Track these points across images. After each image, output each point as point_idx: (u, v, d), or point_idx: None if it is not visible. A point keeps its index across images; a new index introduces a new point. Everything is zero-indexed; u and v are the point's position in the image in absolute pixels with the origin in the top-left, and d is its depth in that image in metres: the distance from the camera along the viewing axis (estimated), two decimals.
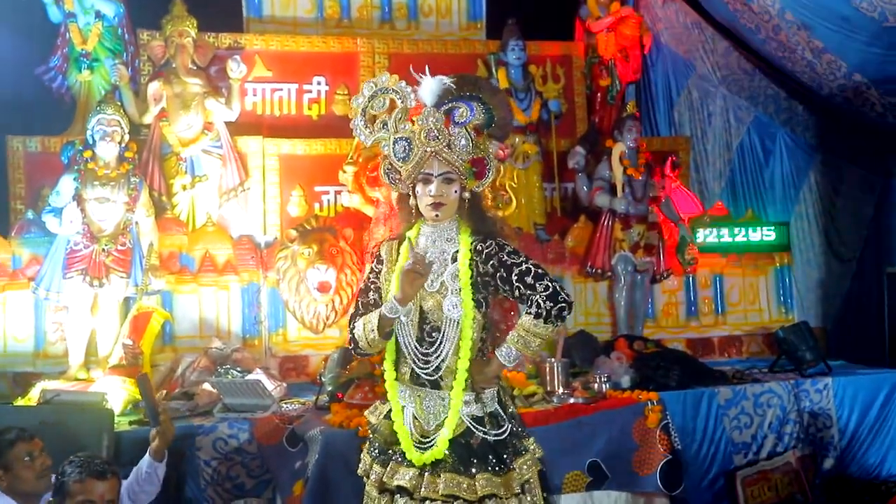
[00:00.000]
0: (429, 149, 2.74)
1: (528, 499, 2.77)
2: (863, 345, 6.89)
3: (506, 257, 2.76)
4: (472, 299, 2.75)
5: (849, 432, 5.45)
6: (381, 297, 2.89)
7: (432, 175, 2.76)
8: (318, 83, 6.57)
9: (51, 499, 3.09)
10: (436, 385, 2.79)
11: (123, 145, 5.22)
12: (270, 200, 6.07)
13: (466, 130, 2.77)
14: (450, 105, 2.78)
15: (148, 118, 5.89)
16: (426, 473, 2.72)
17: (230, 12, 6.62)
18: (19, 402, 4.60)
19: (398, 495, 2.75)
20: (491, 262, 2.76)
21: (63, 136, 5.90)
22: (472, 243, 2.80)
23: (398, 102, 2.82)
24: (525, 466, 2.77)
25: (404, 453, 2.77)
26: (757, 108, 7.72)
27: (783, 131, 7.71)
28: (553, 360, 4.90)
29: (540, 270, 2.76)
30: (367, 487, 2.87)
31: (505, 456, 2.74)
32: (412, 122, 2.79)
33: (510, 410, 2.87)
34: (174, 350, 5.39)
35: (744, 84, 7.72)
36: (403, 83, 2.84)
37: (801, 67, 7.07)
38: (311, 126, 6.47)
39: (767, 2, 6.48)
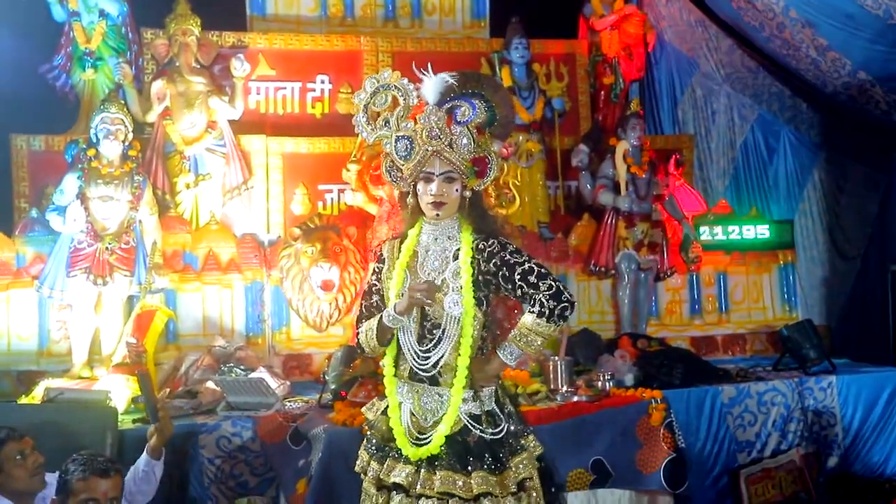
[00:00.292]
0: (430, 148, 2.75)
1: (526, 497, 2.77)
2: (867, 343, 6.87)
3: (508, 256, 2.77)
4: (474, 297, 2.76)
5: (853, 430, 5.45)
6: (383, 299, 2.90)
7: (433, 174, 2.77)
8: (322, 82, 6.58)
9: (54, 497, 3.09)
10: (434, 381, 2.80)
11: (127, 144, 5.22)
12: (274, 199, 6.09)
13: (468, 129, 2.77)
14: (452, 103, 2.78)
15: (151, 117, 5.90)
16: (422, 470, 2.72)
17: (234, 11, 6.64)
18: (23, 400, 4.60)
19: (395, 492, 2.76)
20: (493, 261, 2.77)
21: (67, 135, 5.91)
22: (473, 241, 2.80)
23: (400, 100, 2.82)
24: (522, 465, 2.77)
25: (401, 450, 2.77)
26: (761, 106, 7.70)
27: (787, 129, 7.69)
28: (556, 358, 4.90)
29: (543, 270, 2.77)
30: (364, 484, 2.88)
31: (501, 455, 2.75)
32: (414, 120, 2.79)
33: (508, 409, 2.87)
34: (178, 348, 5.40)
35: (748, 82, 7.70)
36: (405, 80, 2.84)
37: (805, 65, 7.05)
38: (315, 124, 6.48)
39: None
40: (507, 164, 6.22)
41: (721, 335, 6.47)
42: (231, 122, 6.02)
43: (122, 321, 5.14)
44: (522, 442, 2.82)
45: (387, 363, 2.90)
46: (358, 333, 2.94)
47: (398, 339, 2.85)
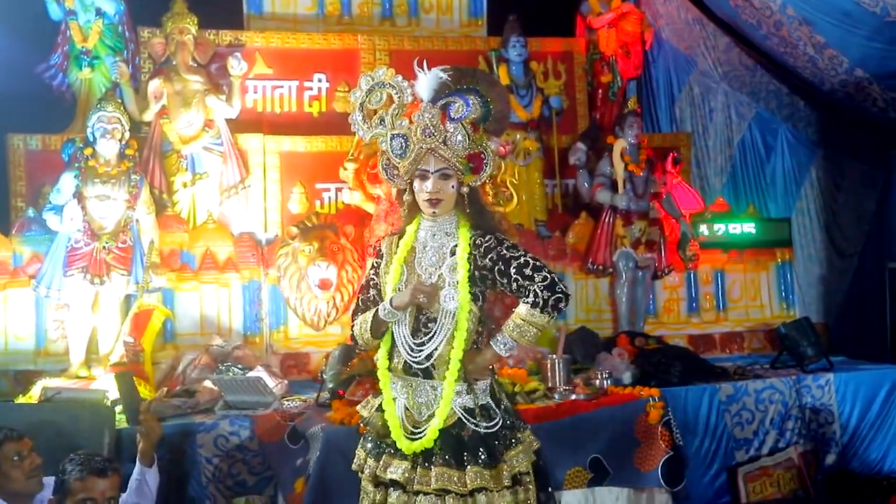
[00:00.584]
0: (424, 146, 2.76)
1: (523, 491, 2.77)
2: (865, 340, 6.88)
3: (504, 251, 2.78)
4: (469, 292, 2.77)
5: (850, 428, 5.45)
6: (380, 294, 2.92)
7: (429, 171, 2.78)
8: (319, 80, 6.56)
9: (51, 497, 3.09)
10: (428, 375, 2.80)
11: (124, 143, 5.22)
12: (271, 198, 6.08)
13: (463, 126, 2.77)
14: (446, 100, 2.78)
15: (148, 116, 5.90)
16: (418, 467, 2.73)
17: (231, 9, 6.63)
18: (20, 399, 4.60)
19: (391, 489, 2.77)
20: (489, 256, 2.78)
21: (64, 134, 5.90)
22: (471, 238, 2.81)
23: (395, 97, 2.82)
24: (516, 459, 2.77)
25: (397, 446, 2.78)
26: (758, 104, 7.69)
27: (785, 127, 7.69)
28: (554, 356, 4.90)
29: (538, 263, 2.78)
30: (362, 482, 2.89)
31: (495, 448, 2.75)
32: (409, 118, 2.79)
33: (503, 404, 2.87)
34: (175, 347, 5.39)
35: (745, 80, 7.69)
36: (400, 77, 2.84)
37: (802, 63, 7.05)
38: (312, 123, 6.47)
39: None
40: (505, 163, 6.22)
41: (719, 333, 6.47)
42: (228, 120, 6.01)
43: (119, 320, 5.14)
44: (519, 435, 2.82)
45: (380, 356, 2.91)
46: (353, 326, 2.96)
47: (392, 331, 2.87)
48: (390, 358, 2.90)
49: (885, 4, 5.78)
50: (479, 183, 2.87)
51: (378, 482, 2.82)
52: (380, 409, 2.88)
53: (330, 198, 6.20)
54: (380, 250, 3.00)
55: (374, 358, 2.97)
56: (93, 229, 5.05)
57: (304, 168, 6.16)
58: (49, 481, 3.19)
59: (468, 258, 2.78)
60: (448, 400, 2.74)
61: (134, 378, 4.22)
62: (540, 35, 6.90)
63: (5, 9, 6.01)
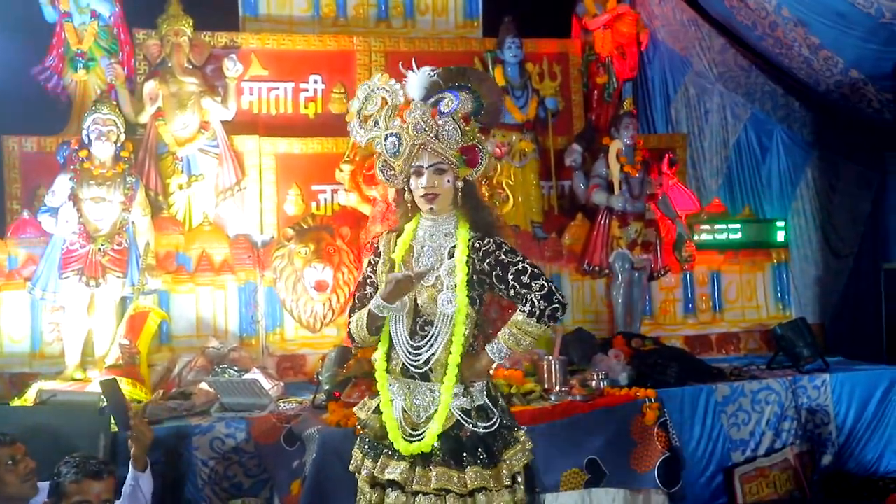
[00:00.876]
0: (417, 141, 2.76)
1: (519, 490, 2.79)
2: (860, 341, 6.89)
3: (503, 256, 2.78)
4: (467, 296, 2.77)
5: (846, 428, 5.46)
6: (376, 290, 2.90)
7: (423, 167, 2.78)
8: (315, 82, 6.55)
9: (46, 500, 3.07)
10: (425, 377, 2.80)
11: (119, 145, 5.22)
12: (267, 199, 6.07)
13: (454, 119, 2.77)
14: (436, 97, 2.79)
15: (144, 117, 5.88)
16: (417, 467, 2.73)
17: (226, 11, 6.61)
18: (15, 402, 4.58)
19: (390, 489, 2.76)
20: (488, 261, 2.78)
21: (59, 136, 5.88)
22: (470, 240, 2.81)
23: (388, 99, 2.83)
24: (515, 458, 2.78)
25: (394, 447, 2.78)
26: (754, 105, 7.71)
27: (780, 128, 7.71)
28: (551, 357, 4.90)
29: (536, 270, 2.78)
30: (359, 483, 2.88)
31: (494, 448, 2.76)
32: (402, 117, 2.81)
33: (500, 404, 2.88)
34: (171, 350, 5.38)
35: (741, 81, 7.71)
36: (393, 81, 2.85)
37: (797, 64, 7.07)
38: (308, 125, 6.46)
39: None
40: (501, 164, 6.22)
41: (715, 334, 6.48)
42: (224, 122, 6.00)
43: (115, 323, 5.13)
44: (516, 435, 2.84)
45: (378, 358, 2.91)
46: (349, 323, 2.97)
47: (390, 333, 2.86)
48: (388, 359, 2.89)
49: (880, 6, 5.80)
50: (475, 176, 2.88)
51: (375, 483, 2.82)
52: (377, 410, 2.87)
53: (326, 199, 6.19)
54: (377, 247, 2.99)
55: (372, 359, 2.96)
56: (88, 231, 5.05)
57: (300, 170, 6.16)
58: (44, 485, 3.18)
59: (467, 261, 2.78)
60: (446, 405, 2.74)
61: (119, 383, 4.20)
62: (535, 36, 6.90)
63: (0, 11, 6.00)
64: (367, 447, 2.89)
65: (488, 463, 2.72)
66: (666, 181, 6.40)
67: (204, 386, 4.71)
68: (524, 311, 2.75)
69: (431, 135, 2.75)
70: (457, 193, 2.84)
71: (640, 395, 4.74)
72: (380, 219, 5.51)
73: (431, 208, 2.82)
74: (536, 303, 2.73)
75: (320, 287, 5.46)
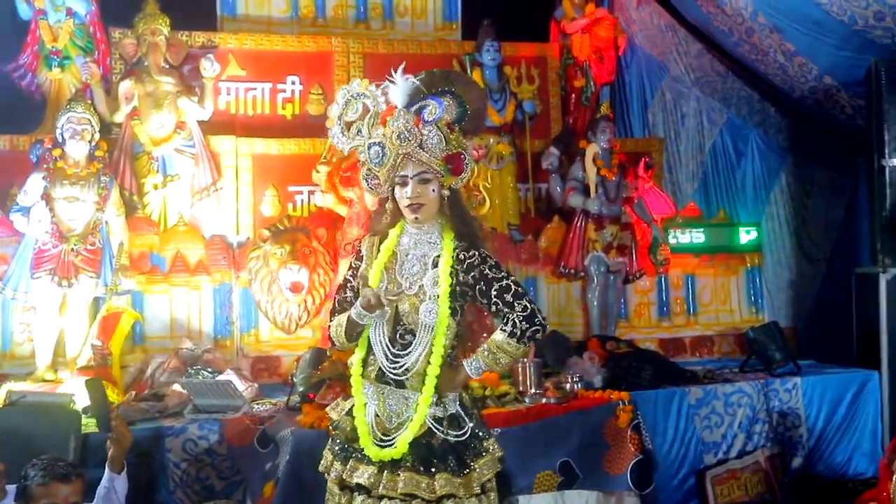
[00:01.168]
0: (401, 151, 2.74)
1: (486, 499, 2.79)
2: (832, 345, 6.95)
3: (487, 270, 2.78)
4: (449, 307, 2.76)
5: (817, 431, 5.53)
6: (356, 295, 2.88)
7: (408, 177, 2.76)
8: (293, 83, 6.52)
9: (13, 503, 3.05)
10: (401, 385, 2.80)
11: (94, 144, 5.18)
12: (243, 200, 6.03)
13: (438, 127, 2.75)
14: (420, 104, 2.77)
15: (119, 117, 5.84)
16: (385, 472, 2.73)
17: (204, 11, 6.56)
18: None
19: (357, 493, 2.76)
20: (472, 274, 2.78)
21: (32, 135, 5.81)
22: (454, 250, 2.80)
23: (370, 107, 2.81)
24: (486, 467, 2.78)
25: (364, 450, 2.78)
26: (730, 110, 7.76)
27: (755, 133, 7.76)
28: (525, 360, 4.91)
29: (520, 289, 2.78)
30: (328, 484, 2.88)
31: (465, 457, 2.76)
32: (385, 125, 2.78)
33: (472, 413, 2.88)
34: (144, 351, 5.35)
35: (717, 86, 7.76)
36: (374, 87, 2.82)
37: (773, 70, 7.13)
38: (285, 126, 6.43)
39: (740, 4, 6.53)
40: (478, 167, 6.22)
41: (689, 337, 6.52)
42: (200, 122, 5.96)
43: (87, 323, 5.09)
44: (485, 444, 2.84)
45: (355, 362, 2.90)
46: (329, 326, 2.96)
47: (369, 340, 2.86)
48: (365, 365, 2.88)
49: (853, 14, 5.87)
50: (460, 185, 2.87)
51: (344, 485, 2.82)
52: (350, 412, 2.87)
53: (302, 201, 6.16)
54: (359, 250, 2.97)
55: (349, 362, 2.96)
56: (61, 231, 5.01)
57: (277, 171, 6.13)
58: (13, 488, 3.15)
59: (450, 273, 2.77)
60: (422, 415, 2.74)
61: (102, 383, 4.17)
62: (514, 40, 6.91)
63: None
64: (337, 449, 2.88)
65: (458, 471, 2.73)
66: (642, 185, 6.44)
67: (177, 387, 4.68)
68: (505, 330, 2.76)
69: (415, 144, 2.73)
70: (442, 202, 2.82)
71: (613, 398, 4.77)
72: (356, 220, 5.51)
73: (416, 218, 2.80)
74: (518, 323, 2.74)
75: (296, 288, 5.45)
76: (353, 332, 2.85)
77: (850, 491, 5.24)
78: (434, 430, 2.76)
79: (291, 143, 6.19)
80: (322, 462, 2.95)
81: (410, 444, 2.73)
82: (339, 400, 3.03)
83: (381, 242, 2.90)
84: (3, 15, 6.03)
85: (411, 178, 2.76)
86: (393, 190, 2.82)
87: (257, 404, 4.69)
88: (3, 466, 3.24)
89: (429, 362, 2.75)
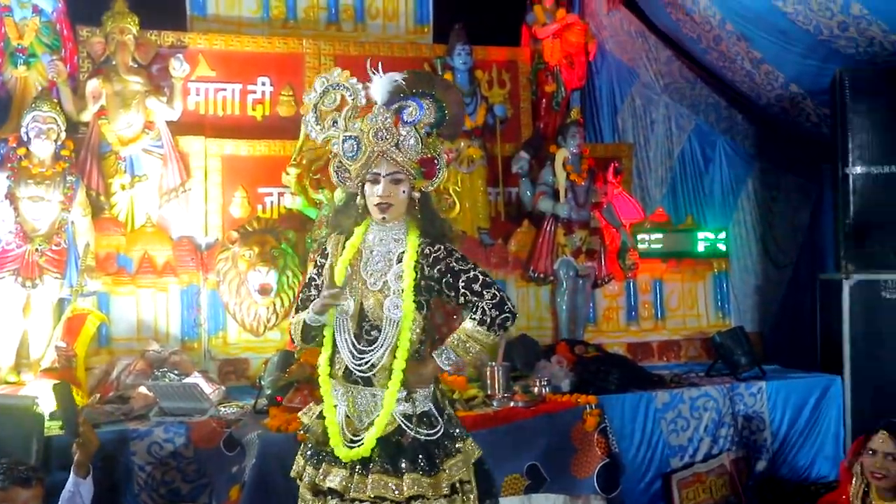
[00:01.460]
0: (377, 148, 2.73)
1: (461, 500, 2.77)
2: (797, 350, 7.06)
3: (454, 263, 2.78)
4: (414, 301, 2.76)
5: (781, 435, 5.60)
6: (319, 294, 2.87)
7: (380, 175, 2.75)
8: (263, 84, 6.49)
9: None
10: (368, 382, 2.79)
11: (60, 143, 5.12)
12: (212, 201, 5.98)
13: (416, 129, 2.75)
14: (400, 103, 2.76)
15: (86, 116, 5.77)
16: (356, 474, 2.72)
17: (173, 10, 6.51)
18: None
19: (329, 497, 2.75)
20: (438, 267, 2.77)
21: None
22: (419, 245, 2.80)
23: (349, 99, 2.80)
24: (455, 468, 2.77)
25: (335, 453, 2.76)
26: (698, 117, 7.85)
27: (723, 140, 7.86)
28: (494, 363, 4.94)
29: (488, 279, 2.79)
30: (301, 489, 2.86)
31: (435, 456, 2.75)
32: (363, 120, 2.78)
33: (446, 412, 2.87)
34: (110, 353, 5.28)
35: (686, 92, 7.85)
36: (354, 80, 2.82)
37: (740, 77, 7.23)
38: (255, 127, 6.39)
39: (708, 12, 6.61)
40: (449, 170, 6.22)
41: (657, 341, 6.57)
42: (169, 122, 5.91)
43: (51, 325, 5.02)
44: (459, 445, 2.82)
45: (321, 362, 2.88)
46: (291, 324, 2.96)
47: (334, 338, 2.84)
48: (331, 364, 2.87)
49: (819, 24, 5.97)
50: (430, 189, 2.87)
51: (317, 490, 2.80)
52: (321, 416, 2.86)
53: (272, 202, 6.12)
54: (325, 249, 2.96)
55: (317, 365, 2.95)
56: (25, 231, 4.94)
57: (247, 172, 6.09)
58: None
59: (415, 266, 2.77)
60: (388, 411, 2.73)
61: (71, 387, 4.11)
62: (485, 43, 6.93)
63: None
64: (309, 453, 2.87)
65: (428, 471, 2.71)
66: (611, 190, 6.49)
67: (143, 390, 4.63)
68: (475, 318, 2.76)
69: (392, 143, 2.73)
70: (412, 204, 2.82)
71: (581, 402, 4.79)
72: (326, 223, 5.49)
73: (384, 217, 2.79)
74: (487, 311, 2.74)
75: (264, 290, 5.42)
76: (308, 334, 2.85)
77: (813, 494, 5.28)
78: (404, 427, 2.74)
79: (261, 144, 6.15)
80: (294, 467, 2.94)
81: (380, 442, 2.72)
82: (311, 405, 3.02)
83: (346, 240, 2.89)
84: None
85: (383, 177, 2.75)
86: (362, 186, 2.81)
87: (224, 407, 4.65)
88: None
89: (395, 357, 2.74)
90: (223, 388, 4.97)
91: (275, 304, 5.51)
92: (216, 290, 5.55)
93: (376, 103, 2.78)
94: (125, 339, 5.38)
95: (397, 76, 2.79)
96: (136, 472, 4.19)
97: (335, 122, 2.80)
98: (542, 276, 6.16)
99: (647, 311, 6.58)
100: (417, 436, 2.75)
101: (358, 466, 2.74)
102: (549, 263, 6.15)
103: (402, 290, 2.75)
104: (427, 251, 2.79)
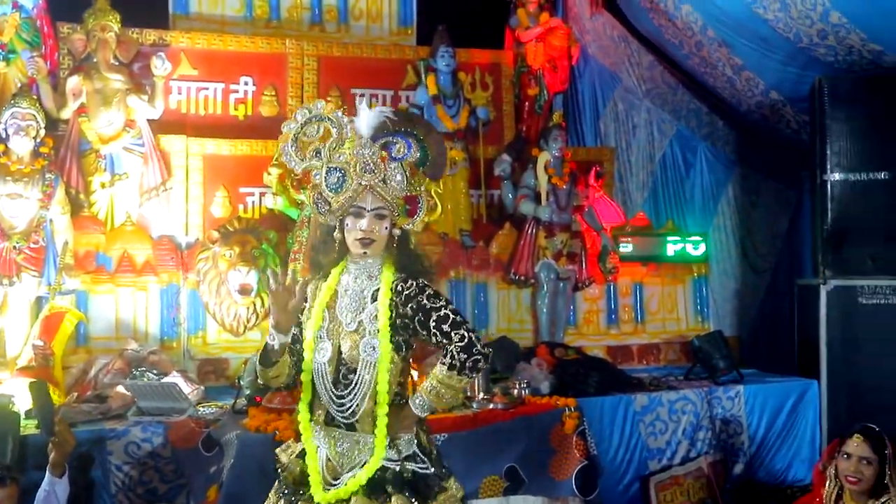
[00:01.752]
0: (364, 181, 2.65)
1: None
2: (775, 354, 7.11)
3: (425, 301, 2.67)
4: (391, 341, 2.67)
5: (758, 438, 5.64)
6: (301, 334, 2.80)
7: (365, 209, 2.67)
8: (245, 83, 6.46)
9: None
10: (351, 427, 2.72)
11: (39, 140, 5.10)
12: (193, 201, 5.96)
13: (402, 167, 2.71)
14: (385, 139, 2.71)
15: (66, 113, 5.72)
16: None
17: (156, 8, 6.47)
18: None
19: None
20: (410, 305, 2.67)
21: None
22: (393, 283, 2.71)
23: (333, 131, 2.71)
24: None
25: (312, 496, 2.70)
26: (679, 122, 7.90)
27: (704, 145, 7.91)
28: None
29: (458, 318, 2.67)
30: None
31: (423, 491, 2.69)
32: (347, 152, 2.70)
33: (432, 454, 2.80)
34: (88, 351, 5.25)
35: (667, 98, 7.89)
36: (339, 112, 2.76)
37: (721, 83, 7.28)
38: (237, 126, 6.36)
39: (690, 18, 6.65)
40: (429, 213, 6.22)
41: (636, 345, 6.60)
42: (150, 121, 5.88)
43: (29, 323, 4.99)
44: (444, 484, 2.76)
45: (301, 409, 2.80)
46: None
47: (314, 383, 2.75)
48: (311, 410, 2.79)
49: (799, 31, 6.03)
50: (410, 227, 2.80)
51: None
52: (301, 455, 2.78)
53: (253, 202, 6.10)
54: (305, 295, 2.82)
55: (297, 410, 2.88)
56: (3, 228, 4.92)
57: (228, 172, 6.06)
58: None
59: (389, 305, 2.68)
60: (378, 458, 2.65)
61: (48, 386, 4.08)
62: (469, 46, 6.94)
63: None
64: (284, 491, 2.80)
65: (416, 501, 2.66)
66: (592, 193, 6.51)
67: (121, 389, 4.61)
68: (444, 363, 2.65)
69: (379, 178, 2.66)
70: (392, 241, 2.75)
71: (560, 404, 4.81)
72: (307, 223, 5.48)
73: (365, 253, 2.71)
74: (456, 355, 2.62)
75: (244, 290, 5.40)
76: (269, 358, 2.73)
77: (789, 497, 5.34)
78: (387, 466, 2.68)
79: (243, 144, 6.13)
80: None
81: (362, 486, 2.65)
82: (290, 441, 2.92)
83: (323, 283, 2.81)
84: None
85: (368, 212, 2.67)
86: (342, 220, 2.73)
87: (203, 407, 4.64)
88: None
89: (376, 402, 2.65)
90: (202, 387, 4.95)
91: (255, 305, 5.50)
92: (196, 289, 5.53)
93: (360, 137, 2.71)
94: (103, 338, 5.34)
95: (387, 111, 2.74)
96: (113, 471, 4.17)
97: (318, 152, 2.71)
98: (522, 278, 6.17)
99: (627, 315, 6.61)
100: (403, 471, 2.68)
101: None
102: (530, 266, 6.17)
103: (378, 330, 2.66)
104: (399, 288, 2.70)
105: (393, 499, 2.62)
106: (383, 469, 2.67)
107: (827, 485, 3.73)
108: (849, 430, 3.76)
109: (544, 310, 6.19)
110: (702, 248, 6.83)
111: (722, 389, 5.59)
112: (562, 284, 6.25)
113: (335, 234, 2.75)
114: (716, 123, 7.98)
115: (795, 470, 5.69)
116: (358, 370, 2.67)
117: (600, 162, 7.03)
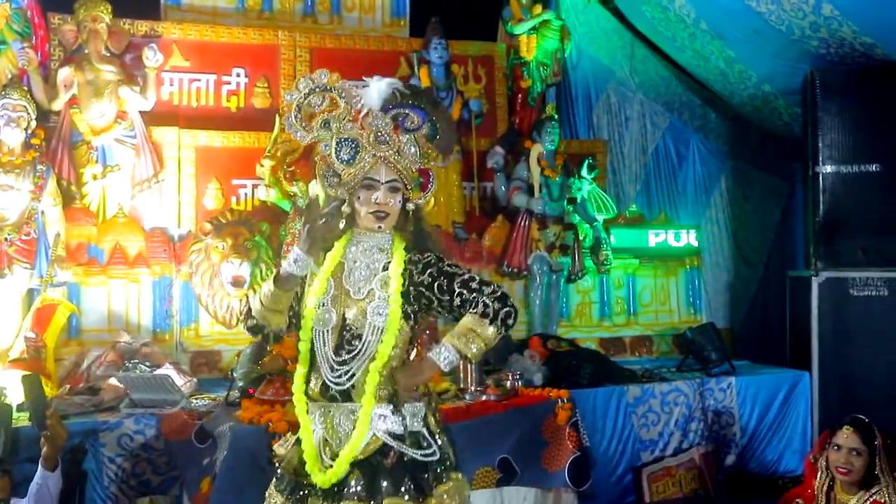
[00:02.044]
0: (378, 153, 2.57)
1: None
2: (767, 346, 7.14)
3: (446, 268, 2.60)
4: (401, 310, 2.57)
5: (750, 430, 5.66)
6: (299, 304, 2.69)
7: (379, 182, 2.59)
8: (238, 75, 6.44)
9: None
10: (347, 397, 2.58)
11: (30, 132, 5.09)
12: (185, 192, 5.95)
13: (415, 139, 2.64)
14: (397, 111, 2.65)
15: (57, 105, 5.70)
16: None
17: None
18: None
19: None
20: (429, 271, 2.59)
21: None
22: (407, 255, 2.64)
23: (341, 102, 2.62)
24: (447, 495, 2.56)
25: (315, 486, 2.55)
26: (672, 114, 7.91)
27: (697, 137, 7.93)
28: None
29: (486, 279, 2.62)
30: None
31: (423, 481, 2.53)
32: (359, 123, 2.63)
33: (441, 438, 2.64)
34: (80, 344, 5.23)
35: (660, 90, 7.90)
36: (347, 82, 2.66)
37: (714, 76, 7.29)
38: (230, 118, 6.34)
39: (683, 11, 6.66)
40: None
41: (629, 337, 6.61)
42: (142, 112, 5.86)
43: (20, 315, 4.97)
44: (452, 473, 2.61)
45: (296, 379, 2.67)
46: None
47: (313, 348, 2.63)
48: (307, 381, 2.66)
49: (791, 24, 6.03)
50: (422, 202, 2.73)
51: None
52: (297, 443, 2.64)
53: (246, 194, 6.09)
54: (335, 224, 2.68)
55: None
56: None
57: (221, 163, 6.05)
58: None
59: (403, 272, 2.58)
60: (365, 422, 2.50)
61: (41, 380, 4.07)
62: (462, 38, 6.94)
63: None
64: (284, 486, 2.64)
65: (415, 496, 2.50)
66: (585, 186, 6.52)
67: (113, 381, 4.60)
68: (475, 312, 2.52)
69: (394, 149, 2.59)
70: (405, 216, 2.68)
71: (553, 396, 4.82)
72: (299, 215, 5.47)
73: (380, 227, 2.63)
74: (490, 304, 2.51)
75: (237, 282, 5.39)
76: (285, 283, 2.57)
77: (781, 488, 5.36)
78: (388, 445, 2.53)
79: (235, 135, 6.11)
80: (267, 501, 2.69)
81: (359, 466, 2.51)
82: (287, 435, 2.82)
83: (326, 252, 2.69)
84: None
85: (382, 185, 2.60)
86: (352, 193, 2.64)
87: (196, 399, 4.63)
88: None
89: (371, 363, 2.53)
90: (195, 380, 4.96)
91: (247, 297, 5.48)
92: (189, 281, 5.52)
93: (370, 108, 2.64)
94: (96, 331, 5.33)
95: (396, 83, 2.68)
96: (106, 464, 4.16)
97: (326, 123, 2.61)
98: (515, 270, 6.17)
99: (620, 307, 6.62)
100: (403, 454, 2.51)
101: (333, 495, 2.52)
102: (523, 258, 6.17)
103: (389, 296, 2.57)
104: (416, 258, 2.62)
105: (384, 502, 2.48)
106: (383, 452, 2.53)
107: (818, 476, 3.75)
108: (839, 421, 3.78)
109: (537, 302, 6.21)
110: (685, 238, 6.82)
111: (714, 381, 5.61)
112: (554, 276, 6.26)
113: (343, 207, 2.65)
114: (708, 116, 8.00)
115: (787, 461, 5.71)
116: (364, 335, 2.56)
117: (593, 154, 7.04)
